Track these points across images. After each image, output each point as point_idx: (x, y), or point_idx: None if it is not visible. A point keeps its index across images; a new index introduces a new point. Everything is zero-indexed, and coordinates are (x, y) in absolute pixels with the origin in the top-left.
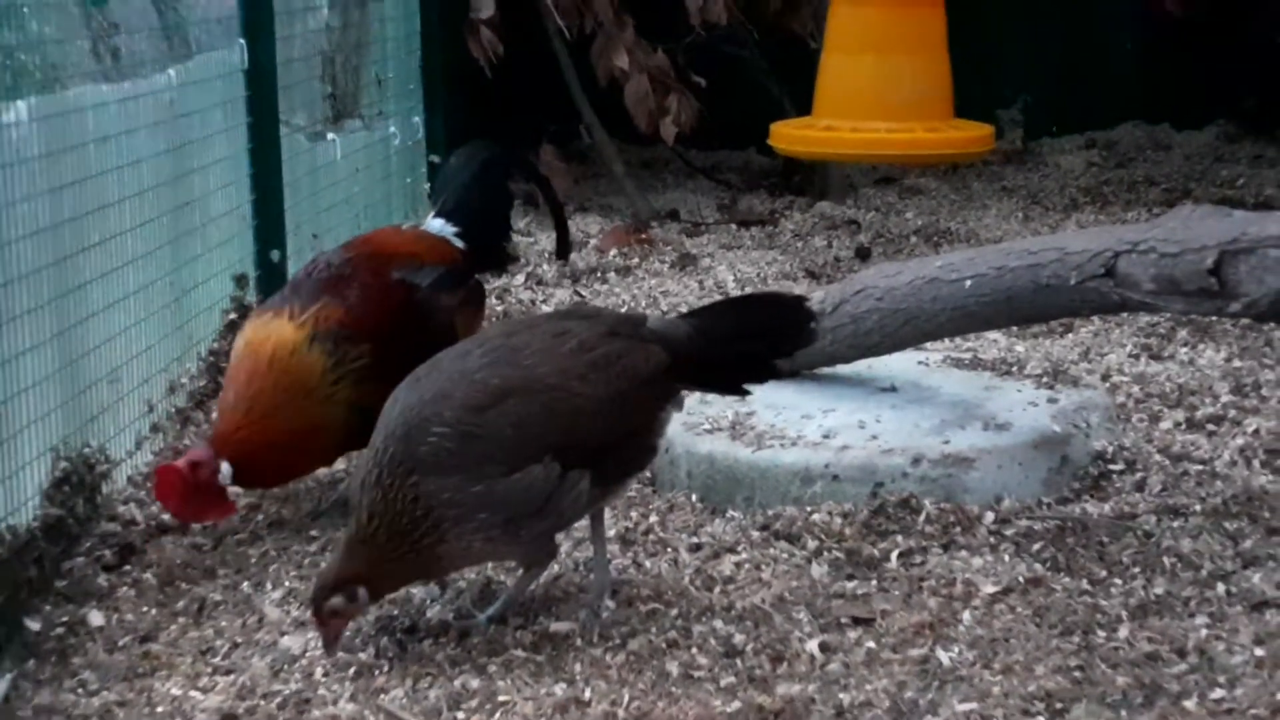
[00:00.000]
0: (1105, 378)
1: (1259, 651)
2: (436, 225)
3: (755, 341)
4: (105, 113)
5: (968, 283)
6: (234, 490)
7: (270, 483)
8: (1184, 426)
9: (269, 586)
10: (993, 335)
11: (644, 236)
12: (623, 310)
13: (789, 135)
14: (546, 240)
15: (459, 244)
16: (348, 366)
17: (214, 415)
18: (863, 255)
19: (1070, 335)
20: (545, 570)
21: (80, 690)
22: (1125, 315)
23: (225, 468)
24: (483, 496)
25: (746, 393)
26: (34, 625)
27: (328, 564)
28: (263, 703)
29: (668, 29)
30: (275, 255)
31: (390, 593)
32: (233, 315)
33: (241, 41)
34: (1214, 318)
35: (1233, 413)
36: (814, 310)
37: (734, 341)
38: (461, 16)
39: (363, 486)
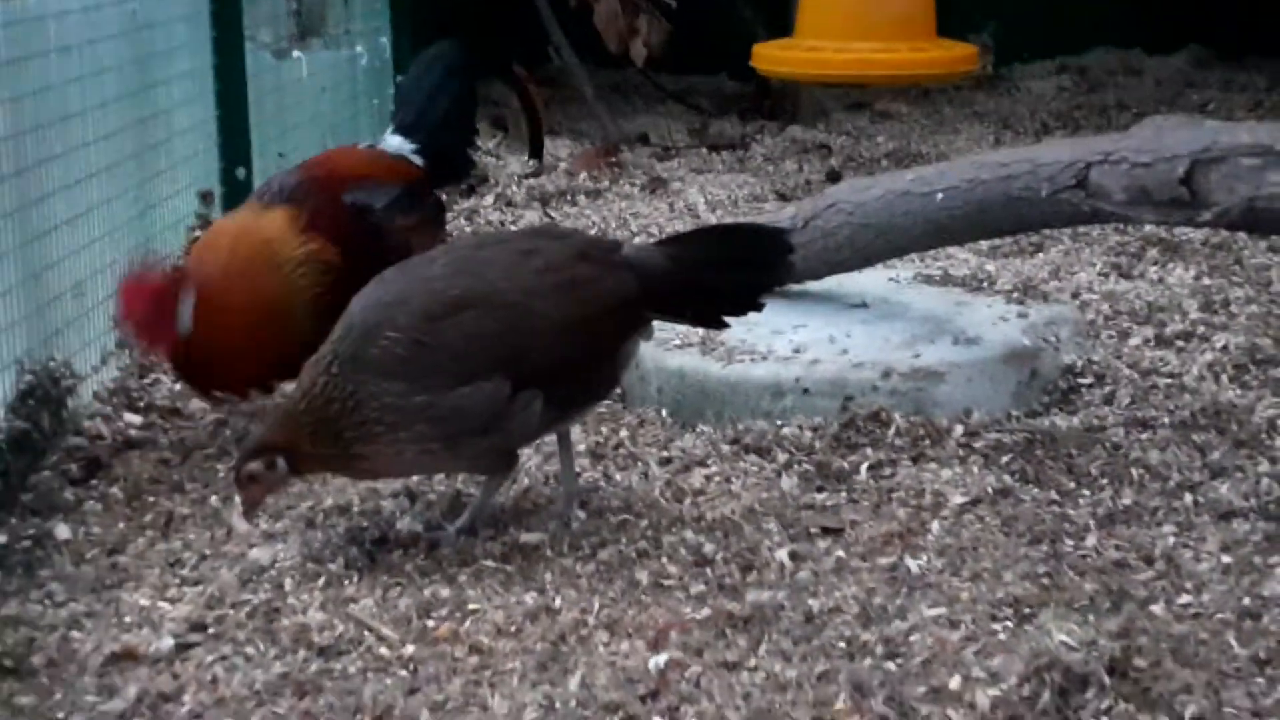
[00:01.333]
0: (1075, 295)
1: (1226, 559)
2: (395, 143)
3: (732, 272)
4: (67, 21)
5: (939, 195)
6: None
7: (225, 370)
8: (1153, 343)
9: (237, 500)
10: (963, 254)
11: (614, 160)
12: (597, 234)
13: (772, 56)
14: (516, 163)
15: (417, 160)
16: (313, 261)
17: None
18: (834, 178)
19: (1040, 254)
20: (505, 481)
21: (47, 601)
22: (1095, 234)
23: (188, 300)
24: (425, 408)
25: (724, 324)
26: (0, 538)
27: (256, 429)
28: (231, 612)
29: None
30: (241, 173)
31: (311, 474)
32: (197, 232)
33: None
34: (1184, 236)
35: (1201, 329)
36: (792, 243)
37: (710, 270)
38: None
39: (312, 364)
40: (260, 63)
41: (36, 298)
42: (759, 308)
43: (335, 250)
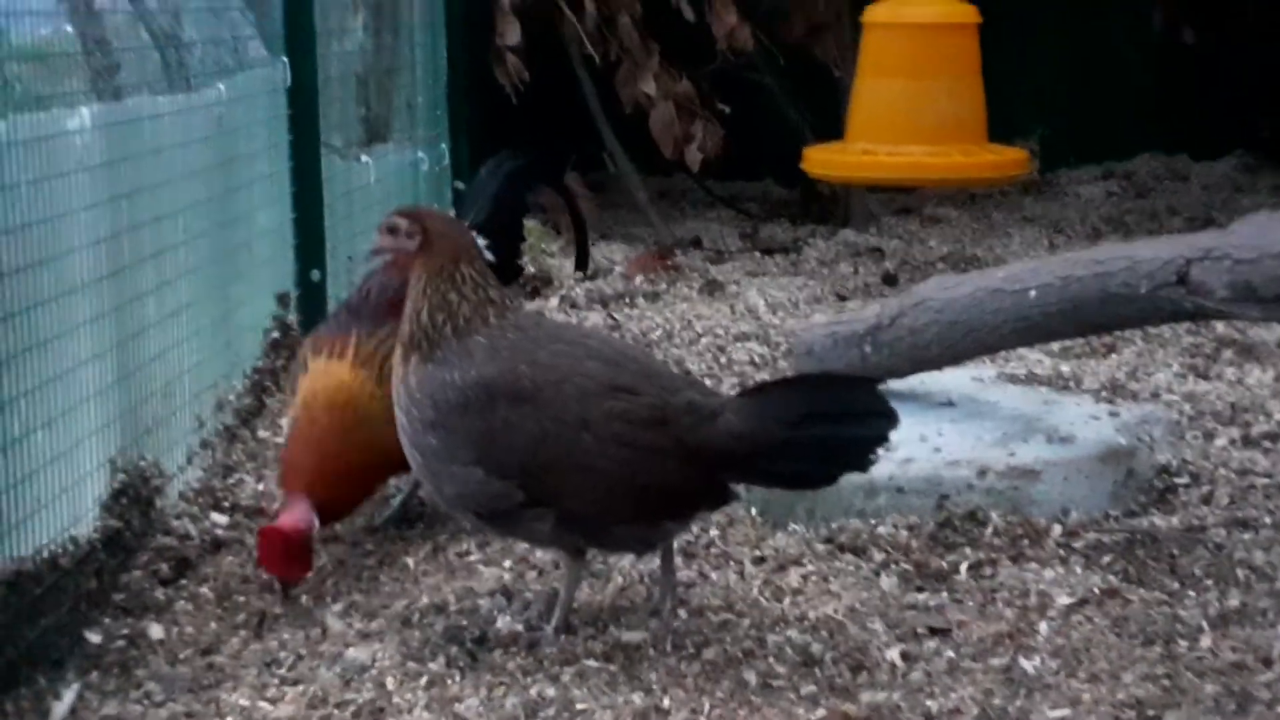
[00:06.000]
0: (1155, 396)
1: None
2: None
3: (833, 429)
4: (161, 123)
5: (1032, 293)
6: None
7: (353, 509)
8: (1239, 443)
9: (329, 600)
10: (1034, 355)
11: (669, 263)
12: (704, 390)
13: (823, 160)
14: (573, 267)
15: (489, 257)
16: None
17: (281, 468)
18: (889, 281)
19: (1115, 355)
20: (580, 568)
21: (146, 701)
22: (1168, 335)
23: (316, 525)
24: (449, 469)
25: (831, 480)
26: (94, 638)
27: None
28: (336, 711)
29: (691, 56)
30: (315, 275)
31: None
32: (275, 334)
33: (284, 59)
34: (1258, 337)
35: None
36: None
37: (809, 436)
38: (488, 43)
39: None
40: (330, 166)
41: (129, 397)
42: (863, 467)
43: None
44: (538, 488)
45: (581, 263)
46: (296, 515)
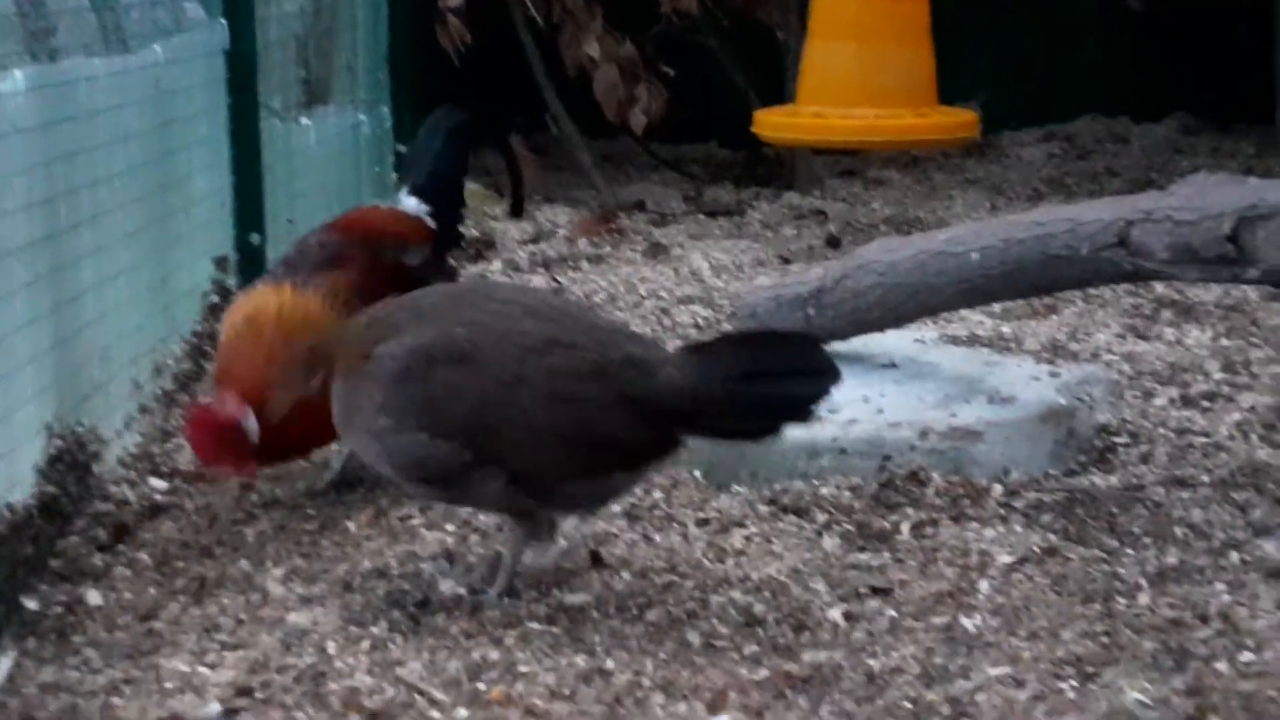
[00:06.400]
0: (1095, 356)
1: None
2: (411, 204)
3: (779, 384)
4: (96, 86)
5: (974, 255)
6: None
7: (287, 451)
8: (1179, 403)
9: (269, 564)
10: (977, 317)
11: (613, 226)
12: (646, 344)
13: (775, 123)
14: (517, 229)
15: (430, 224)
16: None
17: (216, 382)
18: (833, 244)
19: (1055, 316)
20: (530, 534)
21: (84, 668)
22: (1108, 295)
23: (252, 421)
24: (396, 439)
25: (774, 433)
26: (31, 604)
27: None
28: (277, 676)
29: (635, 19)
30: (255, 238)
31: None
32: (214, 298)
33: (223, 21)
34: (1196, 297)
35: (1226, 389)
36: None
37: (756, 391)
38: (430, 5)
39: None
40: (270, 129)
41: (65, 362)
42: (805, 417)
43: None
44: (484, 449)
45: (516, 209)
46: (230, 402)
